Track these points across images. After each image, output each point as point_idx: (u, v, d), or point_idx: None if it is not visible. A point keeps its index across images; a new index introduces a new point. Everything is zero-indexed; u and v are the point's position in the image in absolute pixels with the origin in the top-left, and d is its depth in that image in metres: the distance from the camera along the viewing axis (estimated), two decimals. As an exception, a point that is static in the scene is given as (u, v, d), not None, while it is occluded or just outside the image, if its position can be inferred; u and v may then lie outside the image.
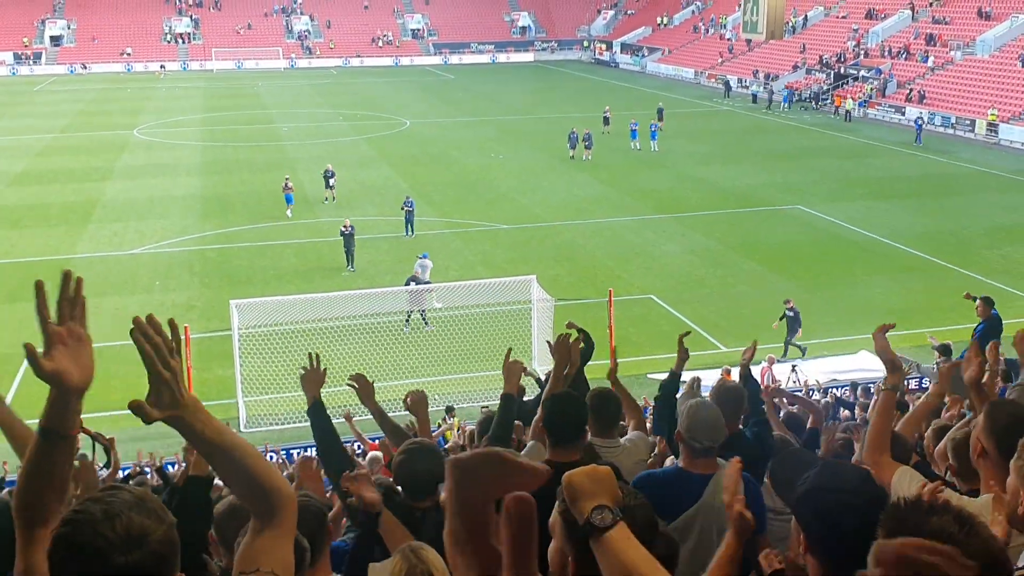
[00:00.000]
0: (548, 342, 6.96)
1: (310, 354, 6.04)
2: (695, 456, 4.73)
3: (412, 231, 31.56)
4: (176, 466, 13.85)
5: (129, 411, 2.22)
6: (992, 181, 40.48)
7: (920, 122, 50.30)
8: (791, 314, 22.17)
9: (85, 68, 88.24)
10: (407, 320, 23.75)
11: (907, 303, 24.70)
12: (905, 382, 11.27)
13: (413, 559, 3.42)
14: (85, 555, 1.97)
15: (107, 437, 2.33)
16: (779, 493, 4.46)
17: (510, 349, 6.56)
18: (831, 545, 2.69)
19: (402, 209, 31.71)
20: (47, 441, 2.28)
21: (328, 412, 5.96)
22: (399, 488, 4.97)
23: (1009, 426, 3.52)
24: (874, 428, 4.15)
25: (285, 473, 10.62)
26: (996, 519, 3.22)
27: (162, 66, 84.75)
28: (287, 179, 35.50)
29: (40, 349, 2.27)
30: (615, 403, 5.89)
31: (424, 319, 23.81)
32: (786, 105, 62.85)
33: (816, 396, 17.26)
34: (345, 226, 28.63)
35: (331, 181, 36.16)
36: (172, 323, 2.27)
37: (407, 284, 24.32)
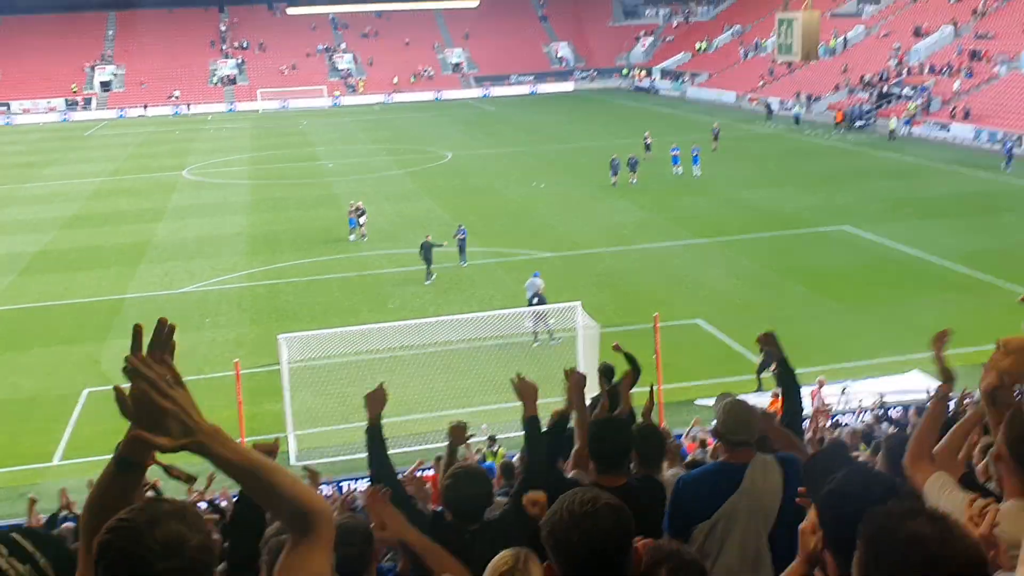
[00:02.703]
0: (566, 371, 6.98)
1: (381, 384, 6.12)
2: (732, 449, 5.08)
3: (465, 259, 31.83)
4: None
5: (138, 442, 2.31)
6: (1043, 196, 39.82)
7: (1010, 145, 46.89)
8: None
9: (145, 109, 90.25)
10: (551, 336, 24.47)
11: (958, 322, 24.18)
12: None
13: (520, 564, 3.47)
14: (127, 562, 2.07)
15: (182, 472, 2.44)
16: (808, 483, 4.53)
17: (518, 373, 6.59)
18: (848, 548, 2.70)
19: (454, 238, 31.97)
20: (122, 469, 2.44)
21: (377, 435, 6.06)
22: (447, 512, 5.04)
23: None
24: (918, 434, 4.16)
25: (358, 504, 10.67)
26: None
27: (209, 116, 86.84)
28: (351, 204, 36.93)
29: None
30: (659, 439, 5.97)
31: (551, 335, 24.44)
32: (861, 123, 62.20)
33: (867, 418, 17.08)
34: (427, 238, 30.50)
35: (361, 219, 36.25)
36: (162, 321, 2.39)
37: (530, 302, 25.07)
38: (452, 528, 4.78)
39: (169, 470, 2.45)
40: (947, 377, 4.34)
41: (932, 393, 4.39)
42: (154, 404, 2.25)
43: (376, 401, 6.02)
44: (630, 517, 2.75)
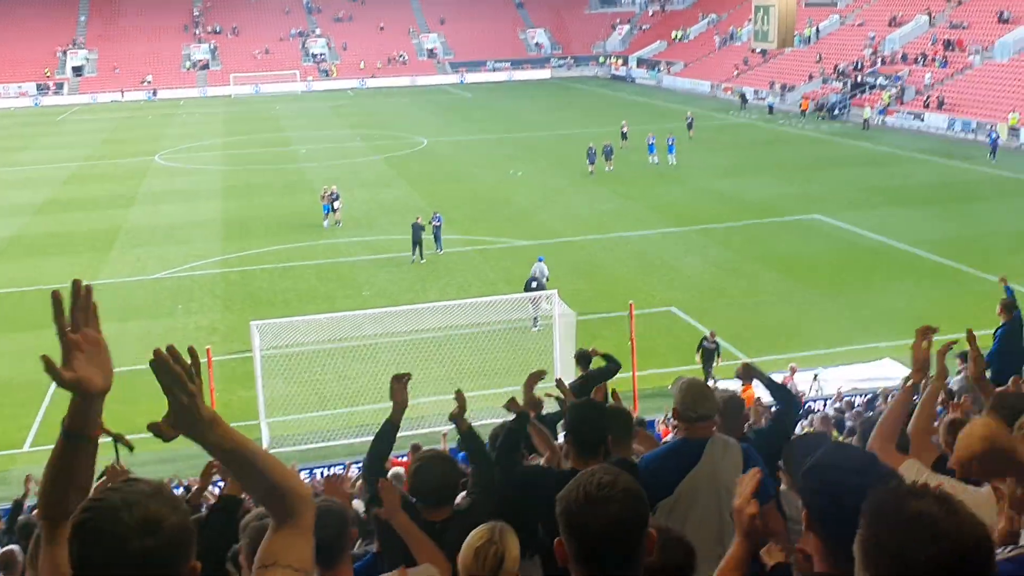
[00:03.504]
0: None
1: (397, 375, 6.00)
2: (691, 424, 5.09)
3: (441, 247, 31.79)
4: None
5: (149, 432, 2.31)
6: (1015, 185, 40.19)
7: (995, 135, 46.53)
8: (711, 346, 21.16)
9: (122, 95, 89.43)
10: (534, 323, 24.29)
11: (930, 310, 24.53)
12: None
13: (496, 537, 3.50)
14: (103, 541, 2.06)
15: (129, 440, 2.48)
16: (790, 472, 4.57)
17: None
18: (831, 522, 2.71)
19: (430, 224, 31.90)
20: (71, 443, 2.42)
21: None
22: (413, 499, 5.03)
23: (1010, 417, 3.56)
24: (886, 419, 4.22)
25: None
26: (1001, 508, 3.24)
27: (181, 101, 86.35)
28: (324, 189, 36.83)
29: (59, 360, 2.39)
30: (626, 418, 5.99)
31: (535, 321, 24.23)
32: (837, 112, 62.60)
33: (838, 405, 17.21)
34: (417, 219, 31.07)
35: (335, 204, 36.17)
36: (191, 350, 2.37)
37: (527, 285, 25.04)
38: (419, 521, 4.77)
39: (118, 439, 2.44)
40: (920, 367, 4.39)
41: (902, 381, 4.45)
42: (174, 398, 2.27)
43: (401, 395, 5.88)
44: (646, 502, 2.75)
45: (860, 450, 3.39)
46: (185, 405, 2.26)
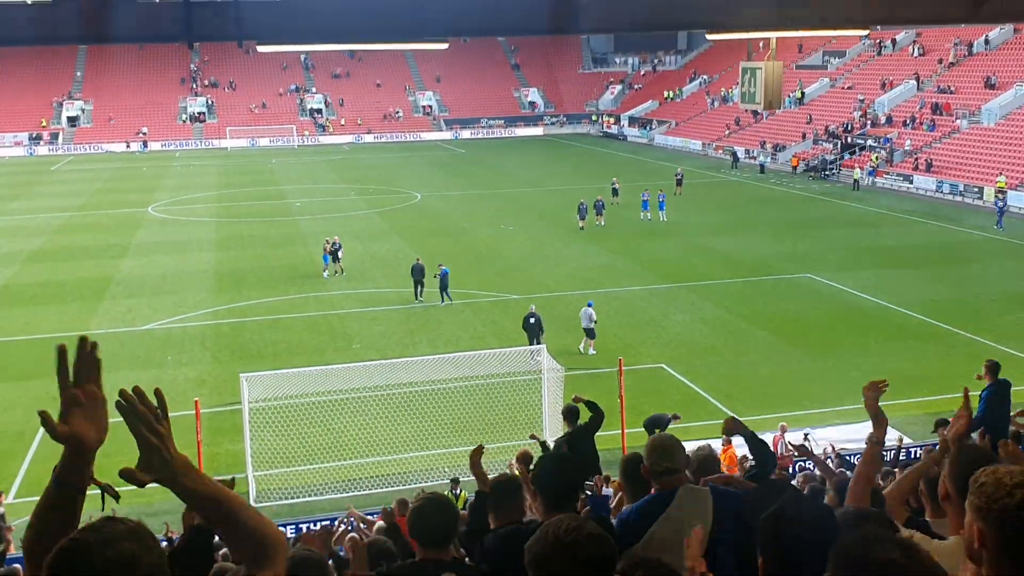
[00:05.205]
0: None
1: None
2: (659, 478, 5.12)
3: (449, 298, 31.95)
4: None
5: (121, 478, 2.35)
6: (1003, 248, 40.55)
7: (1001, 203, 46.28)
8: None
9: (128, 146, 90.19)
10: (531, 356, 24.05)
11: (919, 371, 24.62)
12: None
13: None
14: None
15: (116, 491, 2.54)
16: (750, 515, 4.58)
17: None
18: (786, 572, 2.74)
19: (435, 277, 31.97)
20: (61, 492, 2.44)
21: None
22: (413, 541, 4.99)
23: (971, 471, 3.60)
24: (858, 479, 4.27)
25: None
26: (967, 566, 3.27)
27: (177, 153, 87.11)
28: (327, 240, 37.11)
29: (56, 413, 2.44)
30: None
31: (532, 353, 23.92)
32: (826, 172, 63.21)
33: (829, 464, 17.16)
34: (418, 260, 32.58)
35: (339, 254, 36.49)
36: (158, 391, 2.44)
37: (526, 321, 26.14)
38: (404, 567, 4.75)
39: (106, 489, 2.48)
40: (878, 422, 4.46)
41: (866, 439, 4.52)
42: (143, 439, 2.31)
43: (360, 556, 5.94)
44: (613, 547, 2.77)
45: (819, 504, 3.44)
46: (155, 446, 2.30)
